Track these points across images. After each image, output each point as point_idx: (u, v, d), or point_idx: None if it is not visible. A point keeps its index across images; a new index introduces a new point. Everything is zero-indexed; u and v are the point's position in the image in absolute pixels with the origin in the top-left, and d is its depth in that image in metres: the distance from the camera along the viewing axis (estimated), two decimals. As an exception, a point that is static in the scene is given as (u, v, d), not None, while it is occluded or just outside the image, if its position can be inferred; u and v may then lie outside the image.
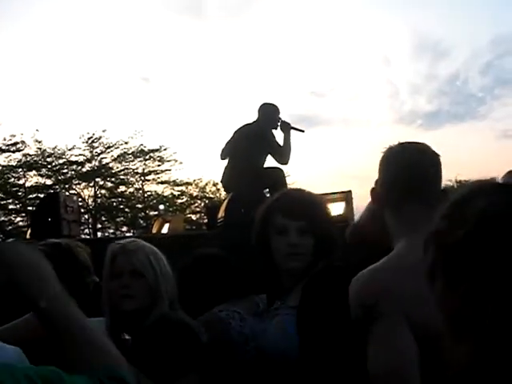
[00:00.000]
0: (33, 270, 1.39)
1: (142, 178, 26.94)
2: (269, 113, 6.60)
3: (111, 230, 27.21)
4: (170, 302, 2.33)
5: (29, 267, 1.39)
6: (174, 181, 27.33)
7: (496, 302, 0.93)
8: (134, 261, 2.33)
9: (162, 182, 27.25)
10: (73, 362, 1.29)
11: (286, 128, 6.55)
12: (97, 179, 26.34)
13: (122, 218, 27.62)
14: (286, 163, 6.56)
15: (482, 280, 0.95)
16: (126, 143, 25.99)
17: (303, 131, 6.75)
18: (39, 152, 25.15)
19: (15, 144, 24.77)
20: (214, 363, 2.40)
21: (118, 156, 26.24)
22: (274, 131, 6.61)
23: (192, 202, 27.98)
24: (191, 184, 27.84)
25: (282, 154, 6.51)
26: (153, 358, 2.13)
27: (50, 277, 1.40)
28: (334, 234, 2.29)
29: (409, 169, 1.90)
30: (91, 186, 26.50)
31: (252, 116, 6.77)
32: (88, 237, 21.31)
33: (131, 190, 27.52)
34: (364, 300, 1.74)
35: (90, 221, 26.53)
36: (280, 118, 6.59)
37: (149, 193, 27.51)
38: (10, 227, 25.15)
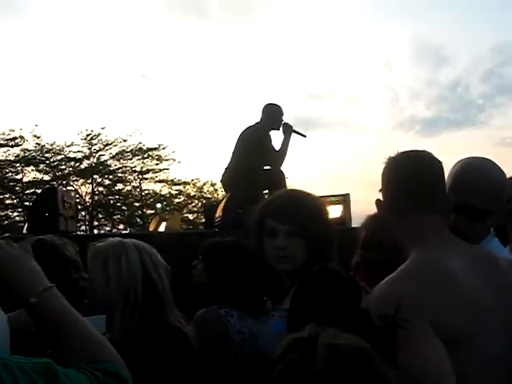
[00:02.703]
0: (19, 265, 1.37)
1: (140, 176, 26.94)
2: (272, 113, 6.59)
3: (108, 228, 27.19)
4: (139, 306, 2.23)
5: (15, 263, 1.37)
6: (171, 180, 27.35)
7: None
8: (90, 263, 2.31)
9: (160, 181, 27.27)
10: (65, 356, 1.28)
11: (288, 130, 6.52)
12: (94, 176, 26.31)
13: (118, 216, 27.60)
14: (278, 168, 6.52)
15: None
16: (125, 141, 26.04)
17: (305, 136, 6.67)
18: (38, 147, 25.13)
19: (14, 139, 24.75)
20: (209, 359, 2.40)
21: (117, 154, 26.22)
22: (274, 132, 6.59)
23: (189, 201, 27.98)
24: (189, 183, 27.85)
25: (276, 159, 6.47)
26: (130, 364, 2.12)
27: (38, 272, 1.39)
28: (327, 236, 2.25)
29: (415, 176, 1.91)
30: (89, 183, 26.48)
31: (251, 117, 6.78)
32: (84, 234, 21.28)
33: (129, 187, 27.54)
34: (384, 309, 1.72)
35: (86, 218, 26.49)
36: (283, 120, 6.57)
37: (146, 191, 27.53)
38: (6, 222, 25.12)
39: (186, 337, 2.22)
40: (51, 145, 25.28)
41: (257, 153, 6.34)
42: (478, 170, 2.17)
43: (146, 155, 26.50)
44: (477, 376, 1.72)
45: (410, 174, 1.92)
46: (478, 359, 1.72)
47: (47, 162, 25.49)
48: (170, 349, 2.13)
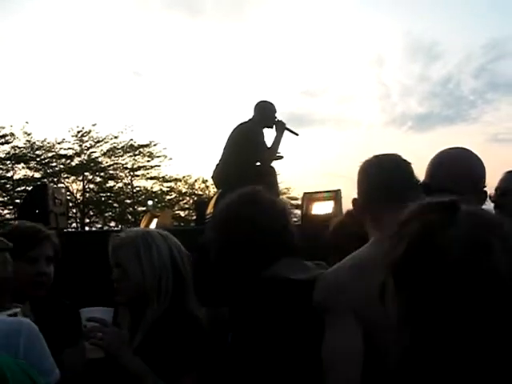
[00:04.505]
0: None
1: (131, 173, 26.90)
2: (265, 110, 6.55)
3: (99, 225, 27.14)
4: (170, 295, 2.27)
5: None
6: (163, 177, 27.34)
7: (426, 307, 1.09)
8: (119, 254, 2.32)
9: (151, 178, 27.25)
10: None
11: (281, 128, 6.49)
12: (86, 173, 26.27)
13: (110, 213, 27.57)
14: (267, 165, 6.51)
15: (414, 292, 1.11)
16: (116, 138, 26.02)
17: (297, 134, 6.64)
18: (28, 145, 25.07)
19: (4, 136, 24.68)
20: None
21: (108, 150, 26.18)
22: (267, 130, 6.57)
23: (181, 198, 27.97)
24: (180, 180, 27.85)
25: (267, 155, 6.46)
26: (159, 353, 2.14)
27: None
28: (229, 244, 2.11)
29: (388, 175, 2.03)
30: (80, 180, 26.43)
31: (244, 114, 6.76)
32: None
33: (120, 185, 27.50)
34: (315, 296, 1.89)
35: (77, 215, 26.44)
36: (276, 117, 6.54)
37: (137, 188, 27.52)
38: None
39: (204, 329, 2.23)
40: (42, 142, 25.27)
41: (248, 148, 6.31)
42: (450, 158, 2.27)
43: (137, 152, 26.49)
44: None
45: (384, 174, 2.04)
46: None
47: (38, 159, 25.42)
48: (193, 341, 2.17)
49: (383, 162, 2.08)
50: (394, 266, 1.14)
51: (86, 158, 25.98)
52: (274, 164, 6.63)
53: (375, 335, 1.78)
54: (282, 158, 6.67)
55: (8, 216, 24.98)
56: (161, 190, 27.66)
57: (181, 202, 27.94)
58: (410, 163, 2.09)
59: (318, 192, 6.29)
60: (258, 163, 6.47)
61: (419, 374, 1.10)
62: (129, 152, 26.40)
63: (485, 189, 2.32)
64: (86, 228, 26.09)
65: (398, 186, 2.02)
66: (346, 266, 1.93)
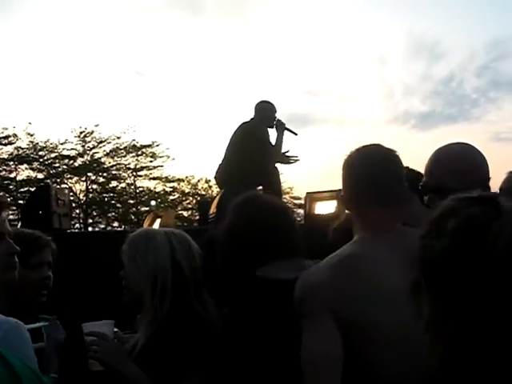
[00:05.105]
0: None
1: (134, 173, 26.90)
2: (265, 111, 6.57)
3: (102, 225, 27.14)
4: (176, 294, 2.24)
5: None
6: (165, 177, 27.34)
7: (464, 311, 1.05)
8: (122, 255, 2.33)
9: (154, 178, 27.24)
10: None
11: (281, 128, 6.52)
12: (89, 174, 26.27)
13: (113, 213, 27.57)
14: (273, 164, 6.52)
15: (455, 289, 1.06)
16: (119, 138, 26.00)
17: (296, 134, 6.69)
18: (31, 145, 25.07)
19: (7, 137, 24.68)
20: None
21: (111, 151, 26.18)
22: (268, 129, 6.58)
23: (184, 198, 27.96)
24: (183, 180, 27.83)
25: (272, 155, 6.48)
26: (161, 356, 2.13)
27: None
28: (224, 245, 2.18)
29: (373, 168, 1.96)
30: (83, 181, 26.43)
31: (246, 114, 6.77)
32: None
33: (123, 185, 27.49)
34: (295, 297, 1.86)
35: (81, 215, 26.45)
36: (276, 117, 6.56)
37: (140, 188, 27.49)
38: None
39: (210, 332, 2.17)
40: (45, 143, 25.25)
41: (252, 146, 6.32)
42: (451, 154, 2.20)
43: (139, 152, 26.48)
44: (382, 362, 1.76)
45: (368, 166, 1.97)
46: (384, 346, 1.76)
47: (41, 160, 25.42)
48: (196, 343, 2.13)
49: (368, 153, 2.01)
50: (435, 263, 1.10)
51: (88, 158, 25.98)
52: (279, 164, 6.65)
53: (355, 334, 1.76)
54: (298, 160, 6.70)
55: (11, 217, 24.88)
56: (164, 190, 27.66)
57: (184, 202, 27.93)
58: (395, 151, 2.02)
59: (320, 191, 6.30)
60: (267, 161, 6.48)
61: (458, 376, 1.07)
62: (131, 152, 26.40)
63: (489, 182, 2.29)
64: (90, 228, 26.12)
65: (384, 178, 1.96)
66: (327, 264, 1.89)
